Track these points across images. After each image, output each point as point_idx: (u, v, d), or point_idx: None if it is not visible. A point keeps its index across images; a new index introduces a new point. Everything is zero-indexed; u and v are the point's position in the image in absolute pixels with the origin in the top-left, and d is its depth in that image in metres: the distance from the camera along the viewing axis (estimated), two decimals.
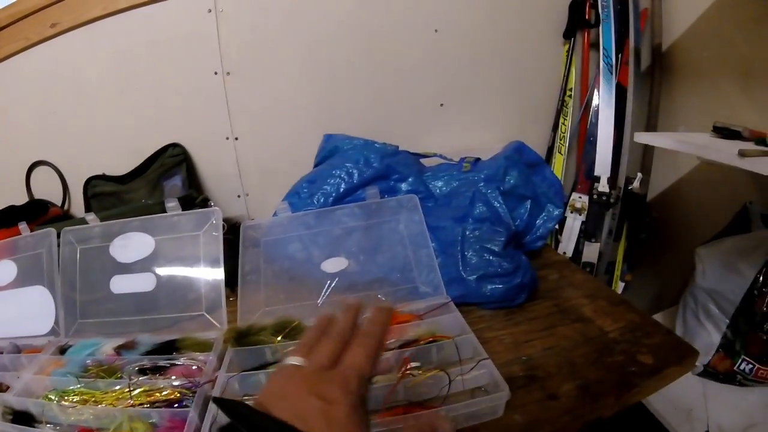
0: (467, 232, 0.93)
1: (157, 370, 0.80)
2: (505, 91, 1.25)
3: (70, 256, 1.00)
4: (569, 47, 1.23)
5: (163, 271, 0.95)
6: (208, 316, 0.90)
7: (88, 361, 0.84)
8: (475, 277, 0.90)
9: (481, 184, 0.96)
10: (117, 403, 0.75)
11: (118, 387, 0.77)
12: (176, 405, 0.72)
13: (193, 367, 0.79)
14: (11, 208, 1.22)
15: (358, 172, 0.99)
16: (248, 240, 0.95)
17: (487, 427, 0.65)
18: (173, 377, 0.77)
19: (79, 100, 1.23)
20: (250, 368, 0.77)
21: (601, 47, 1.21)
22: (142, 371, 0.80)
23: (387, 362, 0.74)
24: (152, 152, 1.21)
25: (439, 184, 1.04)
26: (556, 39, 1.25)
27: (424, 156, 1.07)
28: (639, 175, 1.18)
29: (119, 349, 0.87)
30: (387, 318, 0.45)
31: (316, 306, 0.89)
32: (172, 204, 0.94)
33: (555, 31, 1.25)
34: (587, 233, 1.22)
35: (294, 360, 0.40)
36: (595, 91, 1.22)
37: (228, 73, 1.17)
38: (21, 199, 1.28)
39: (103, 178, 1.24)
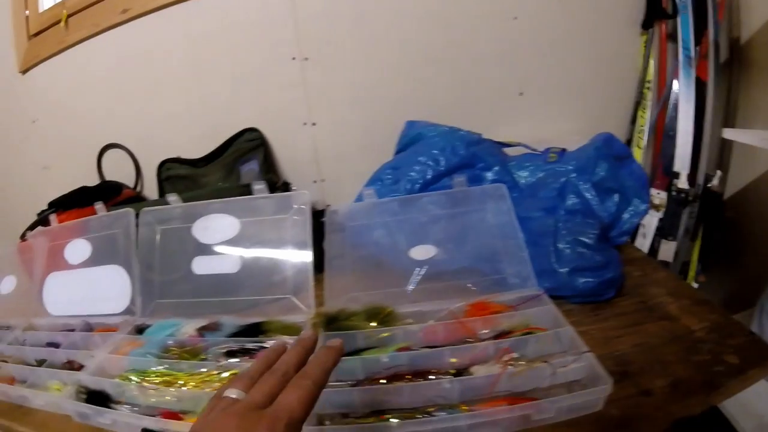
0: (560, 224, 0.91)
1: (245, 353, 0.79)
2: (583, 82, 1.22)
3: (150, 236, 1.00)
4: (647, 38, 1.20)
5: (247, 253, 0.95)
6: (294, 299, 0.90)
7: (169, 342, 0.84)
8: (567, 269, 0.88)
9: (573, 175, 0.94)
10: (203, 386, 0.74)
11: (204, 369, 0.76)
12: None
13: None
14: (84, 189, 1.24)
15: (445, 160, 0.98)
16: (333, 224, 0.94)
17: (585, 420, 0.64)
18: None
19: (153, 84, 1.24)
20: (344, 353, 0.77)
21: (679, 39, 1.17)
22: (231, 353, 0.79)
23: (484, 352, 0.73)
24: (228, 136, 1.22)
25: (524, 174, 1.03)
26: (634, 30, 1.22)
27: (508, 145, 1.06)
28: (718, 172, 1.15)
29: (201, 331, 0.86)
30: (332, 359, 0.46)
31: (405, 293, 0.88)
32: (259, 186, 0.94)
33: (632, 21, 1.22)
34: (664, 231, 1.19)
35: (233, 393, 0.40)
36: (674, 84, 1.19)
37: (306, 59, 1.16)
38: (92, 181, 1.30)
39: (177, 161, 1.25)
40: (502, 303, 0.84)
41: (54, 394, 0.80)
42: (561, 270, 0.88)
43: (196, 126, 1.25)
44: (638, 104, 1.22)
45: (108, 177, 1.33)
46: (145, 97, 1.26)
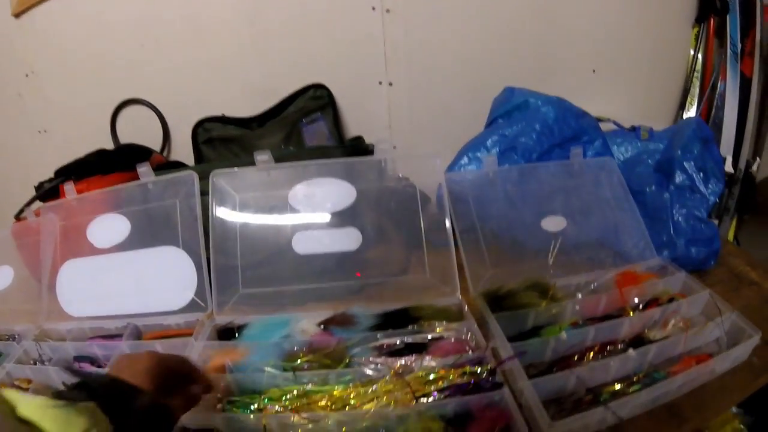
0: (674, 198, 0.93)
1: (412, 350, 0.66)
2: (643, 67, 1.26)
3: (225, 207, 0.81)
4: (697, 32, 1.28)
5: (365, 225, 0.82)
6: (431, 277, 0.80)
7: (287, 346, 0.65)
8: (684, 241, 0.91)
9: (679, 152, 0.96)
10: (377, 402, 0.57)
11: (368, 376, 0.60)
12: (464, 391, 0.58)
13: (452, 341, 0.68)
14: (103, 153, 1.00)
15: (558, 130, 0.95)
16: (453, 194, 0.86)
17: (740, 369, 0.70)
18: (437, 357, 0.63)
19: (190, 27, 1.05)
20: (515, 334, 0.70)
21: (728, 35, 1.26)
22: (394, 353, 0.65)
23: (650, 316, 0.74)
24: (288, 93, 1.06)
25: (618, 150, 1.04)
26: (687, 23, 1.29)
27: (600, 120, 1.05)
28: (758, 159, 1.26)
29: (327, 326, 0.71)
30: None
31: (546, 266, 0.83)
32: (383, 145, 0.81)
33: (686, 15, 1.28)
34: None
35: None
36: (720, 76, 1.28)
37: (387, 10, 1.05)
38: (105, 146, 1.05)
39: (221, 120, 1.06)
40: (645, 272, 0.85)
41: None
42: (678, 242, 0.91)
43: (246, 81, 1.08)
44: (687, 93, 1.29)
45: (124, 141, 1.09)
46: (179, 42, 1.06)
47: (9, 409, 0.34)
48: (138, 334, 0.77)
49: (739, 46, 1.25)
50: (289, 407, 0.56)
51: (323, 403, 0.57)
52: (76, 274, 0.86)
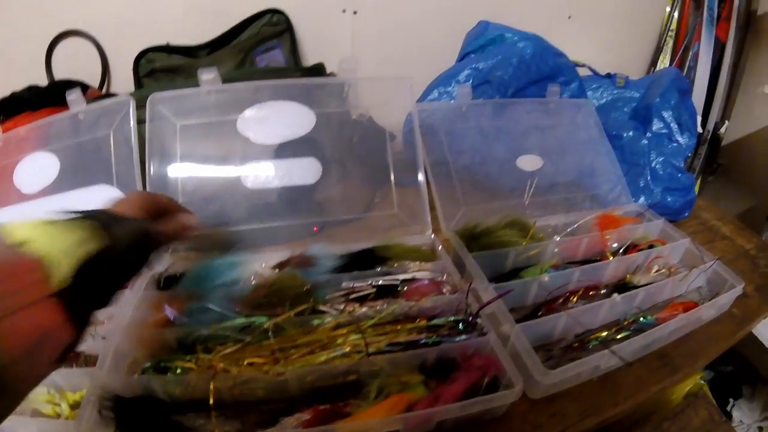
0: (651, 145, 0.89)
1: (383, 293, 0.58)
2: (618, 18, 1.22)
3: (163, 137, 0.70)
4: None
5: (326, 156, 0.72)
6: (401, 214, 0.72)
7: (236, 291, 0.54)
8: (661, 188, 0.88)
9: (657, 100, 0.92)
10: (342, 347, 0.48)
11: (327, 321, 0.51)
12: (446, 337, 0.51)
13: (426, 282, 0.60)
14: (33, 90, 0.87)
15: (536, 67, 0.89)
16: (424, 126, 0.78)
17: (723, 318, 0.70)
18: (413, 300, 0.55)
19: None
20: (494, 276, 0.64)
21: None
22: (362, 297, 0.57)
23: (633, 261, 0.71)
24: (242, 18, 0.94)
25: (594, 95, 0.99)
26: None
27: (576, 64, 1.00)
28: (726, 122, 1.25)
29: (282, 268, 0.60)
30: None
31: (522, 205, 0.77)
32: (347, 65, 0.72)
33: None
34: None
35: None
36: (694, 38, 1.26)
37: None
38: (39, 82, 0.91)
39: (165, 49, 0.93)
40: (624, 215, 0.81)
41: (51, 419, 0.48)
42: (655, 189, 0.87)
43: (194, 3, 0.94)
44: (660, 50, 1.27)
45: (60, 76, 0.94)
46: None
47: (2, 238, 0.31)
48: None
49: (716, 10, 1.23)
50: (242, 361, 0.47)
51: (282, 354, 0.48)
52: None
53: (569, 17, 1.15)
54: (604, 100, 1.01)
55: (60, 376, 0.48)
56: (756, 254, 0.87)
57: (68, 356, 0.33)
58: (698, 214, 0.98)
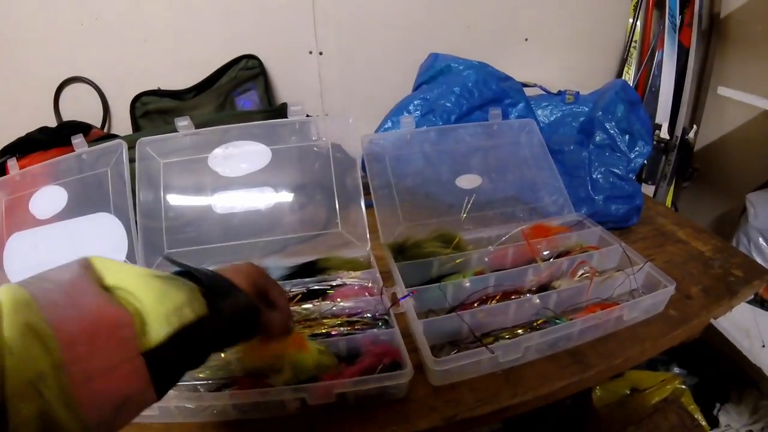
0: (592, 157, 0.95)
1: (314, 296, 0.69)
2: (578, 36, 1.28)
3: (150, 173, 0.84)
4: (636, 1, 1.30)
5: (282, 185, 0.84)
6: (344, 232, 0.83)
7: None
8: (602, 197, 0.93)
9: (600, 113, 0.98)
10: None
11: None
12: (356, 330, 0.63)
13: (356, 287, 0.71)
14: (45, 130, 1.03)
15: (478, 93, 0.97)
16: (372, 154, 0.88)
17: (655, 320, 0.72)
18: (339, 301, 0.67)
19: (124, 6, 1.05)
20: (420, 283, 0.73)
21: (667, 7, 1.27)
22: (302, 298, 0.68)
23: (559, 268, 0.76)
24: (220, 65, 1.07)
25: (543, 113, 1.06)
26: None
27: (526, 85, 1.07)
28: (695, 127, 1.28)
29: None
30: None
31: (458, 221, 0.85)
32: (296, 108, 0.84)
33: None
34: (646, 175, 1.31)
35: None
36: (658, 46, 1.30)
37: None
38: (48, 123, 1.08)
39: (157, 93, 1.08)
40: (560, 225, 0.87)
41: None
42: (597, 198, 0.93)
43: (180, 53, 1.09)
44: (625, 61, 1.31)
45: (67, 118, 1.11)
46: (116, 18, 1.06)
47: (95, 277, 0.30)
48: None
49: (679, 17, 1.27)
50: None
51: None
52: (20, 246, 0.87)
53: (526, 39, 1.22)
54: (553, 117, 1.07)
55: None
56: (711, 256, 0.89)
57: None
58: (654, 220, 1.01)
